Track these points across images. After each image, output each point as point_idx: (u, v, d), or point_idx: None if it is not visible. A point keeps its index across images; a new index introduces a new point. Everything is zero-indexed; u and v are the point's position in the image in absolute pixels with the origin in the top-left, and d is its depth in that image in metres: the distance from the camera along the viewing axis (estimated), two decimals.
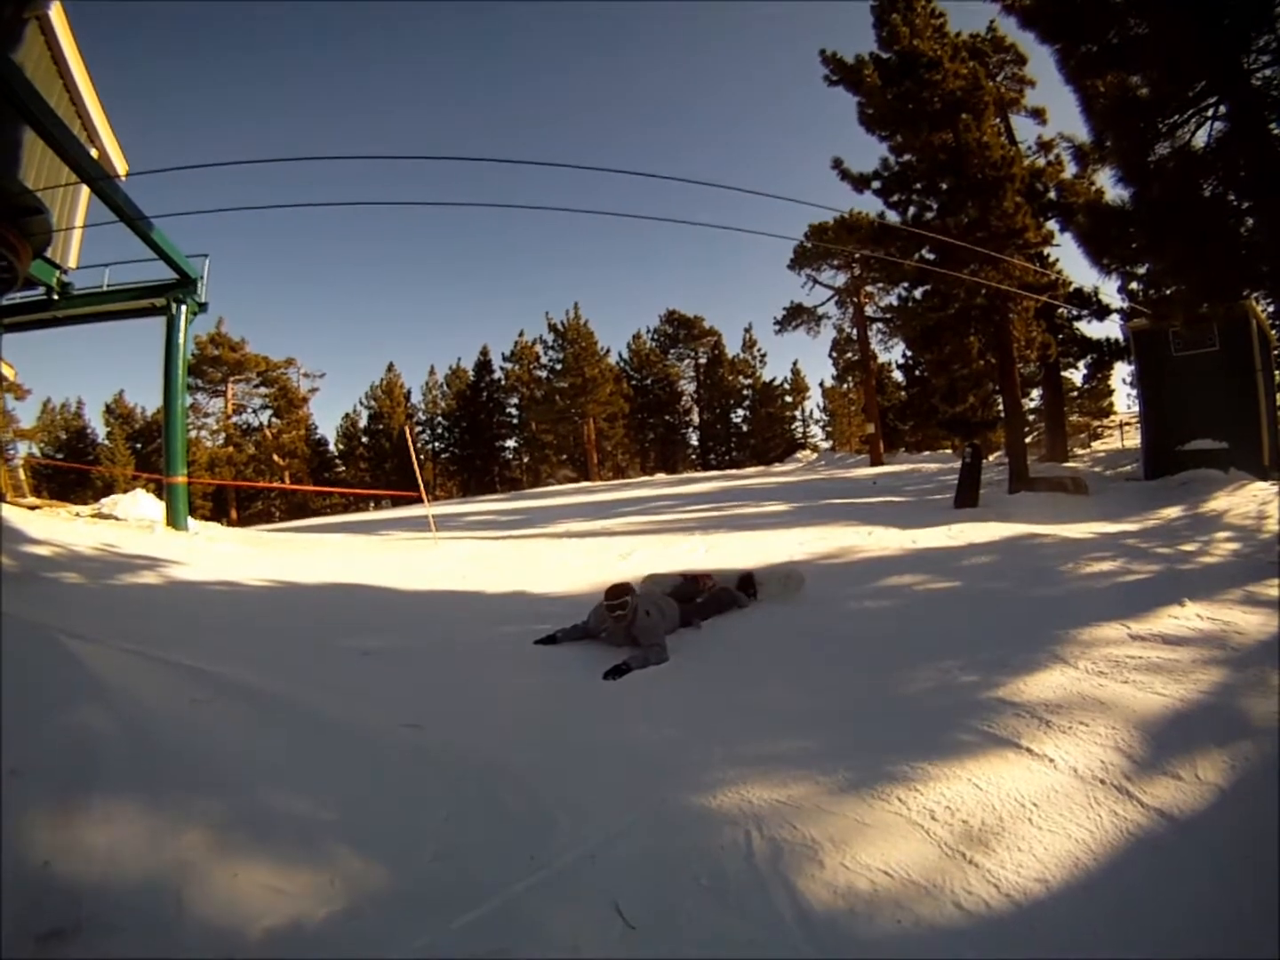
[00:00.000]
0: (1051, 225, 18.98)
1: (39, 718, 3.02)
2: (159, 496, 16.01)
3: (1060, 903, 2.31)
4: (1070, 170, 19.21)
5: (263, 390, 52.33)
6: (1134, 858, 2.53)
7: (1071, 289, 20.36)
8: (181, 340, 15.12)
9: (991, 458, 24.69)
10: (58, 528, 11.72)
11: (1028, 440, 20.21)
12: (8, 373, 19.05)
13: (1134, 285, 17.37)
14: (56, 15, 13.23)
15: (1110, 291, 20.24)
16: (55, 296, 15.16)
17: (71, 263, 15.53)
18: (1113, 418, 39.23)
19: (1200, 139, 11.23)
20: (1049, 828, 2.70)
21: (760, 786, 3.07)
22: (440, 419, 57.02)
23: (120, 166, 15.12)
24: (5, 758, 2.69)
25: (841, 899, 2.34)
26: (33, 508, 14.78)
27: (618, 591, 5.91)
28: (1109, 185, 14.67)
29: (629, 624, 5.83)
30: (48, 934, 2.08)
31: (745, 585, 6.98)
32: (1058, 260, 21.32)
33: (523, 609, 7.55)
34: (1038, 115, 22.43)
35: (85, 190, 14.62)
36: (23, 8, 12.53)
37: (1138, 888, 2.37)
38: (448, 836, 2.81)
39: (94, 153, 14.11)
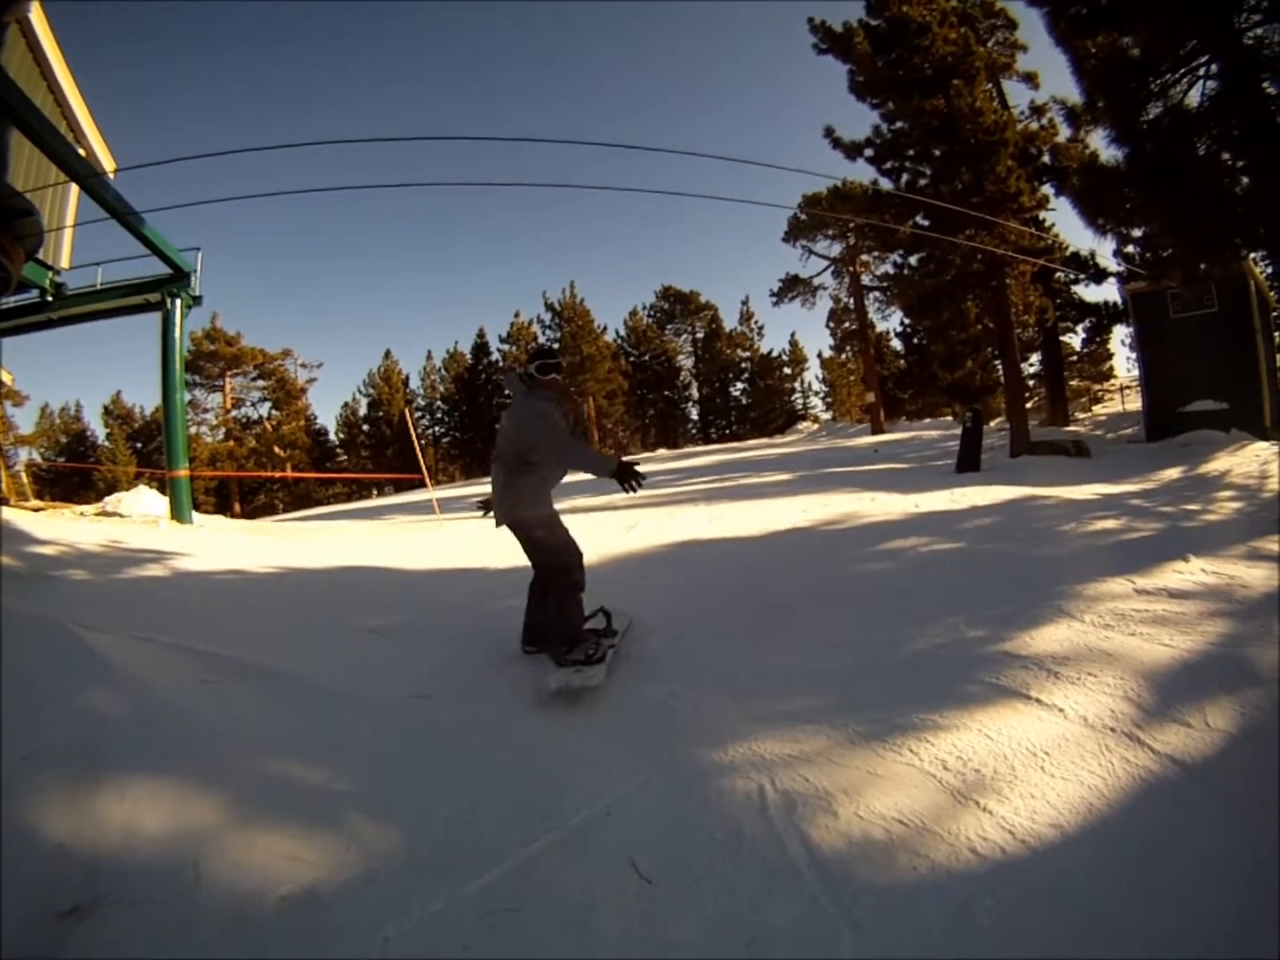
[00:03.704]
0: (1046, 189, 18.91)
1: (49, 703, 3.04)
2: (162, 492, 16.06)
3: (1075, 846, 2.33)
4: (1064, 134, 19.07)
5: (260, 383, 52.44)
6: (1146, 802, 2.54)
7: (1068, 253, 20.29)
8: (178, 334, 15.18)
9: (993, 423, 24.67)
10: (63, 527, 11.73)
11: (1028, 405, 20.19)
12: (5, 378, 19.04)
13: (1130, 248, 17.31)
14: (36, 17, 13.15)
15: (1107, 255, 20.19)
16: (49, 298, 15.16)
17: (64, 263, 15.52)
18: (1113, 381, 39.26)
19: (1193, 98, 11.18)
20: (1061, 775, 2.70)
21: (772, 741, 3.09)
22: (440, 403, 57.05)
23: (108, 164, 15.05)
24: (18, 742, 2.71)
25: (856, 847, 2.36)
26: (37, 510, 14.83)
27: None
28: (1102, 146, 14.60)
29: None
30: (67, 912, 2.13)
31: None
32: (1054, 225, 21.21)
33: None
34: (1030, 80, 22.19)
35: (75, 190, 14.63)
36: (2, 12, 12.44)
37: (1151, 831, 2.38)
38: (460, 801, 2.84)
39: (81, 152, 14.05)
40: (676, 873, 2.34)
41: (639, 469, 4.58)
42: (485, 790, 2.94)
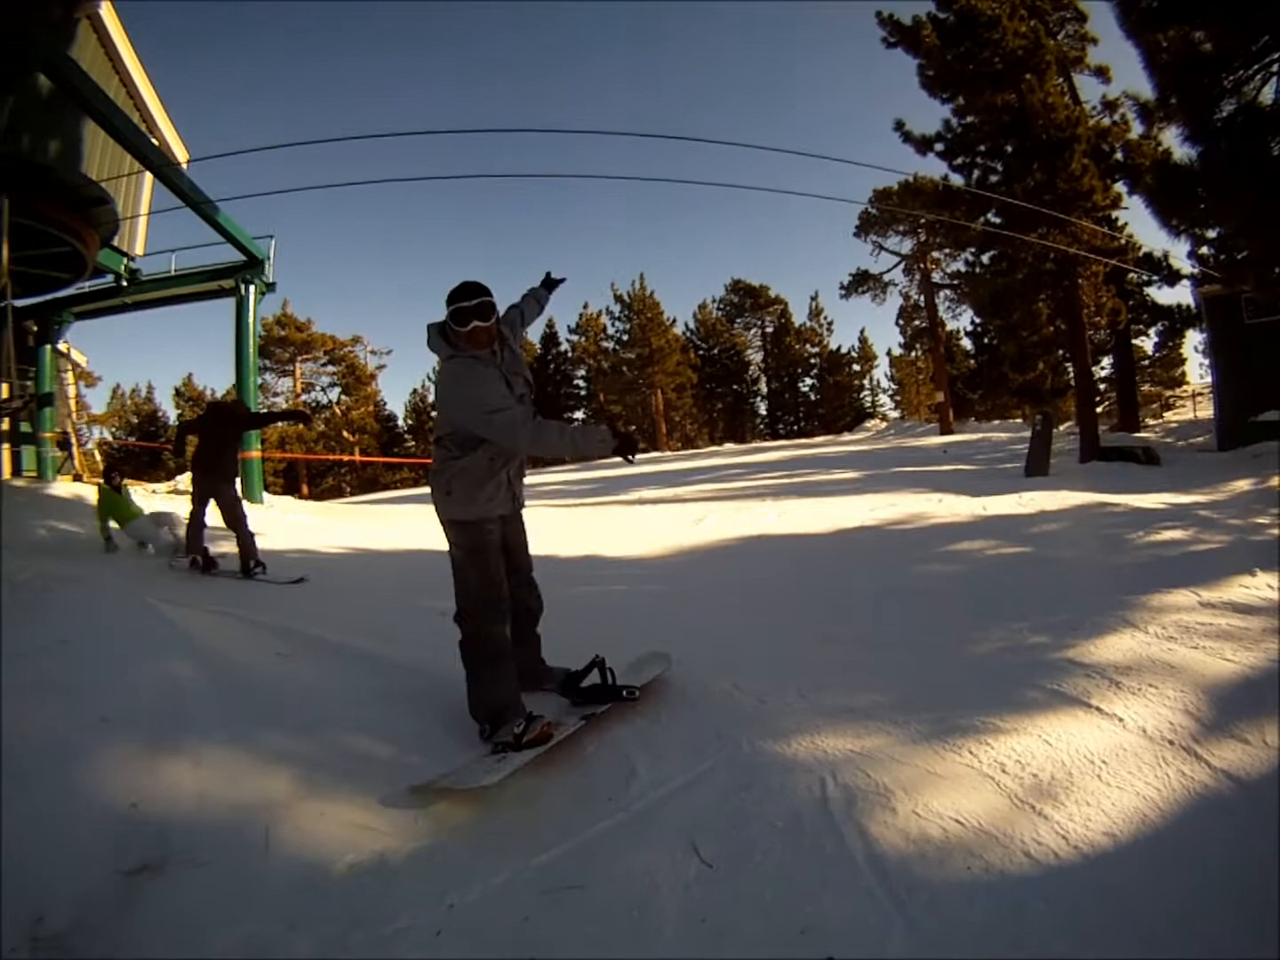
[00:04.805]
0: (1119, 188, 18.49)
1: (127, 670, 3.19)
2: None
3: (1128, 856, 2.33)
4: (1136, 130, 18.58)
5: (330, 369, 53.22)
6: (1200, 817, 2.53)
7: (1141, 253, 19.79)
8: (251, 319, 15.65)
9: (1062, 427, 24.24)
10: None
11: (1099, 410, 19.79)
12: (80, 359, 19.60)
13: (1204, 249, 16.85)
14: (107, 12, 13.53)
15: (1181, 255, 19.65)
16: (124, 283, 15.60)
17: (139, 250, 16.01)
18: (1185, 387, 38.16)
19: (1267, 95, 10.91)
20: (1117, 784, 2.71)
21: (835, 736, 3.13)
22: None
23: (181, 155, 15.46)
24: (96, 707, 2.88)
25: (913, 844, 2.40)
26: None
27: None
28: (1176, 144, 14.23)
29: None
30: (136, 869, 2.27)
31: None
32: (1126, 224, 20.65)
33: (597, 571, 7.78)
34: (1101, 73, 21.40)
35: (149, 179, 15.03)
36: (74, 7, 12.81)
37: (1203, 845, 2.38)
38: (527, 780, 2.95)
39: (154, 142, 14.45)
40: (736, 859, 2.39)
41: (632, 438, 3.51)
42: (553, 771, 3.04)
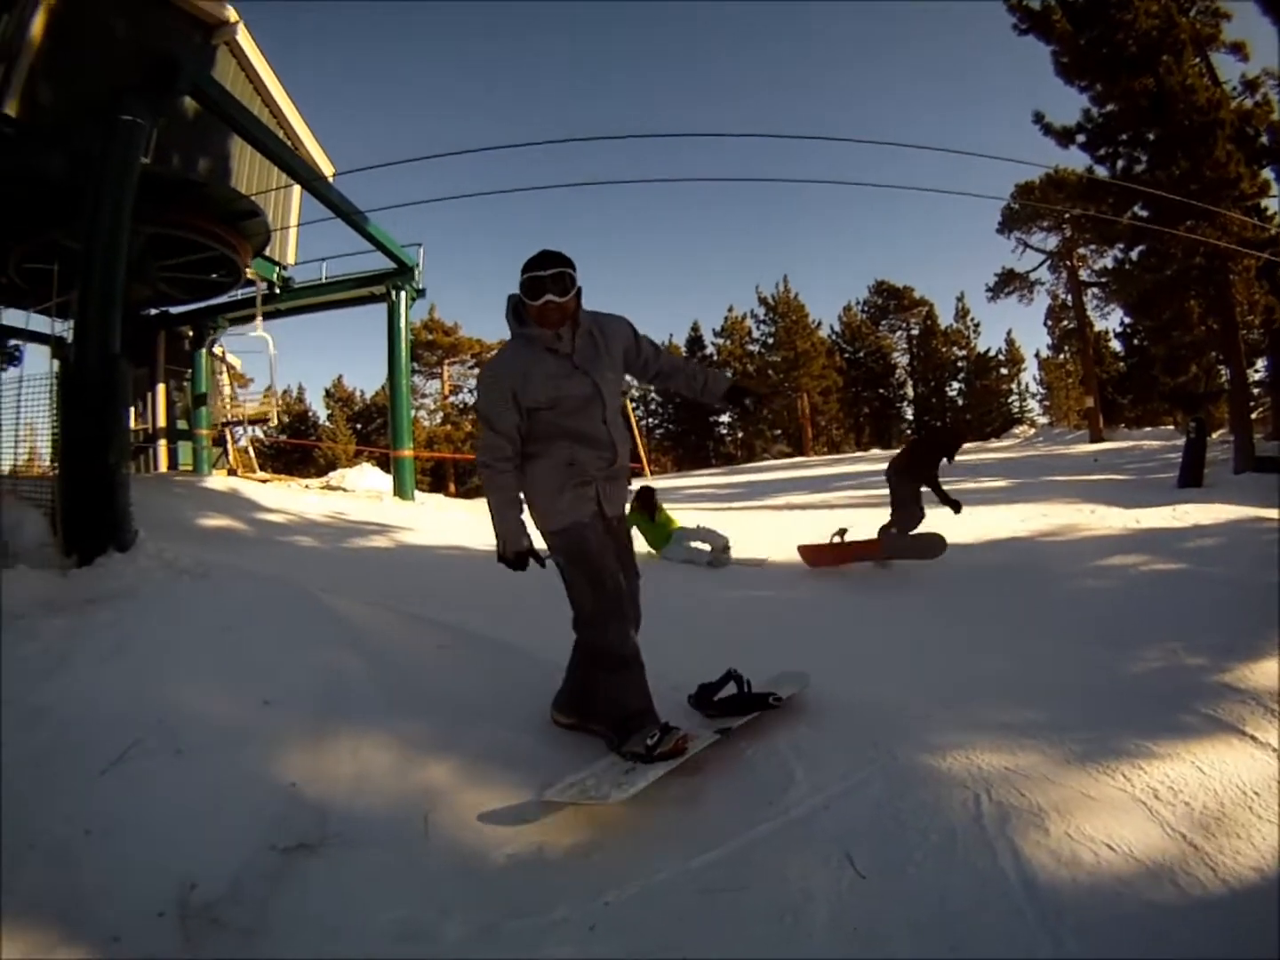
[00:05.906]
0: (1266, 173, 17.40)
1: (288, 657, 3.38)
2: (384, 470, 17.28)
3: (1274, 893, 2.26)
4: None
5: (477, 371, 54.44)
6: None
7: None
8: (403, 324, 16.40)
9: (1214, 435, 23.02)
10: (289, 498, 12.90)
11: (1253, 415, 18.72)
12: (234, 362, 20.83)
13: None
14: (244, 38, 14.47)
15: None
16: (277, 290, 16.47)
17: (290, 259, 16.87)
18: None
19: None
20: (1269, 817, 2.63)
21: (988, 752, 3.14)
22: (653, 395, 57.22)
23: (327, 168, 16.28)
24: (258, 691, 3.04)
25: (1065, 867, 2.39)
26: (264, 481, 16.22)
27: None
28: None
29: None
30: (293, 847, 2.40)
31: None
32: (1276, 214, 19.26)
33: (743, 576, 7.96)
34: (1238, 50, 19.55)
35: (297, 192, 15.88)
36: (211, 34, 13.68)
37: None
38: (689, 781, 3.03)
39: (301, 157, 15.28)
40: (890, 870, 2.42)
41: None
42: (712, 772, 3.12)
